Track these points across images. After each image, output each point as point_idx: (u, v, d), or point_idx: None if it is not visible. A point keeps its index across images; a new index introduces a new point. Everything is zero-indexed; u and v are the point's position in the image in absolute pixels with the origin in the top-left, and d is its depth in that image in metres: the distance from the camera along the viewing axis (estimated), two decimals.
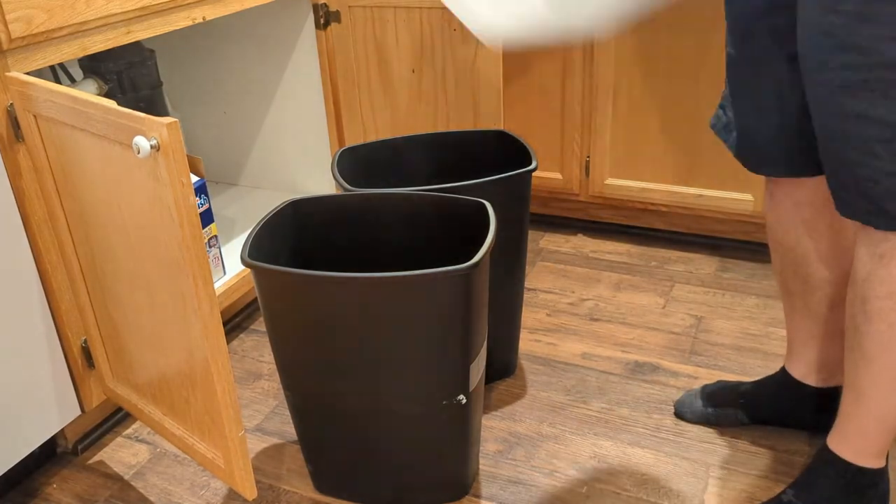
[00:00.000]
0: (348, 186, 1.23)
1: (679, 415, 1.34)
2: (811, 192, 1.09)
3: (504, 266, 1.34)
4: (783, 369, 1.27)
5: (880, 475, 1.06)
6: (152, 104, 1.61)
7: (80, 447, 1.33)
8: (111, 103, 0.92)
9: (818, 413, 1.24)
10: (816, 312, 1.18)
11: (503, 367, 1.45)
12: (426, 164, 1.45)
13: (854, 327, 0.99)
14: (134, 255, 1.03)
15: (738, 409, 1.30)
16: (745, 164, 1.12)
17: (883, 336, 0.96)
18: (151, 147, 0.85)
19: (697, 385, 1.36)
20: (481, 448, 1.29)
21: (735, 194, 1.73)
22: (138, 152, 0.86)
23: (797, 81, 0.97)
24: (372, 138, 1.87)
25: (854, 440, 1.05)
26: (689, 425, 1.31)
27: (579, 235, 1.98)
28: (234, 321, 1.68)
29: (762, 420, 1.29)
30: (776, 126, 1.05)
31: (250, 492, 1.05)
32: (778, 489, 1.17)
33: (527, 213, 1.32)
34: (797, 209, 1.12)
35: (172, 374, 1.09)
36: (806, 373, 1.24)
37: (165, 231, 0.93)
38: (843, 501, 1.07)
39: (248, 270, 1.58)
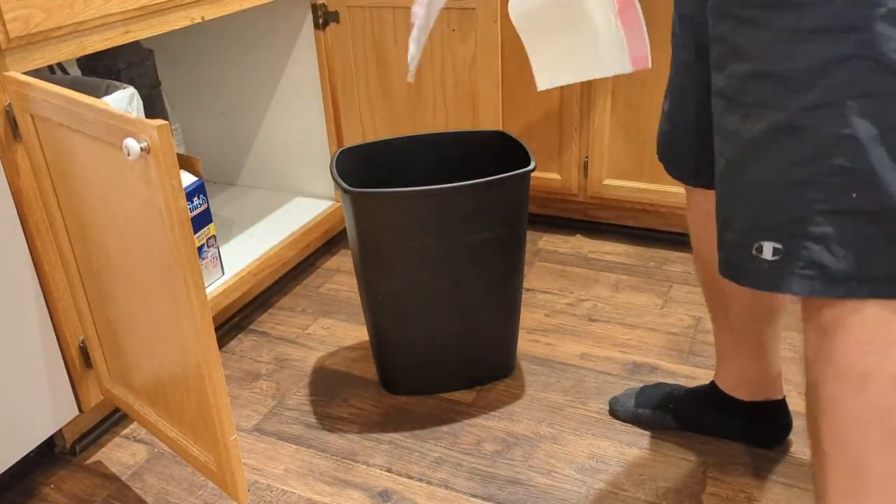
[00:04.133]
0: (346, 186, 1.23)
1: (612, 412, 1.35)
2: None
3: (502, 266, 1.34)
4: (713, 381, 1.26)
5: None
6: (151, 104, 1.61)
7: (77, 447, 1.33)
8: (104, 104, 0.92)
9: (744, 425, 1.24)
10: (736, 326, 1.16)
11: (502, 367, 1.45)
12: (425, 164, 1.46)
13: (809, 413, 0.85)
14: (128, 256, 1.03)
15: (668, 413, 1.29)
16: (665, 169, 1.10)
17: (835, 429, 0.81)
18: (142, 149, 0.85)
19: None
20: (479, 448, 1.29)
21: None
22: (128, 154, 0.85)
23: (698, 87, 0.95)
24: (370, 138, 1.87)
25: None
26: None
27: (578, 236, 1.98)
28: (233, 321, 1.68)
29: (691, 428, 1.29)
30: (677, 131, 1.03)
31: (243, 496, 1.05)
32: (776, 488, 1.17)
33: (525, 214, 1.32)
34: (711, 220, 0.97)
35: (167, 377, 1.09)
36: (733, 385, 1.22)
37: (157, 233, 0.93)
38: None
39: (247, 271, 1.60)
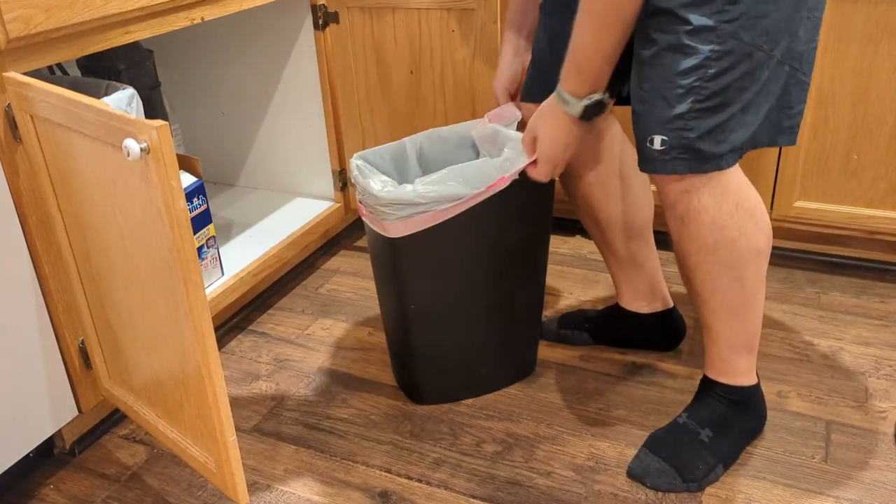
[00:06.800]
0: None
1: (541, 336, 1.55)
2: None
3: (531, 265, 1.34)
4: (616, 303, 1.49)
5: (754, 390, 1.24)
6: (150, 105, 1.61)
7: (77, 448, 1.33)
8: (104, 105, 0.92)
9: (646, 335, 1.48)
10: (615, 250, 1.40)
11: (526, 366, 1.46)
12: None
13: (686, 278, 1.18)
14: (128, 256, 1.03)
15: (584, 332, 1.53)
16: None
17: (706, 283, 1.14)
18: (141, 150, 0.85)
19: (694, 386, 1.36)
20: (479, 449, 1.29)
21: None
22: (128, 155, 0.85)
23: None
24: (370, 139, 1.87)
25: (719, 365, 1.22)
26: None
27: (577, 237, 1.98)
28: (233, 321, 1.68)
29: (603, 341, 1.52)
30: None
31: (242, 496, 1.05)
32: (775, 489, 1.18)
33: (549, 214, 1.33)
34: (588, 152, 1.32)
35: (166, 377, 1.09)
36: (628, 301, 1.46)
37: (157, 234, 0.93)
38: (728, 416, 1.23)
39: (247, 271, 1.60)
